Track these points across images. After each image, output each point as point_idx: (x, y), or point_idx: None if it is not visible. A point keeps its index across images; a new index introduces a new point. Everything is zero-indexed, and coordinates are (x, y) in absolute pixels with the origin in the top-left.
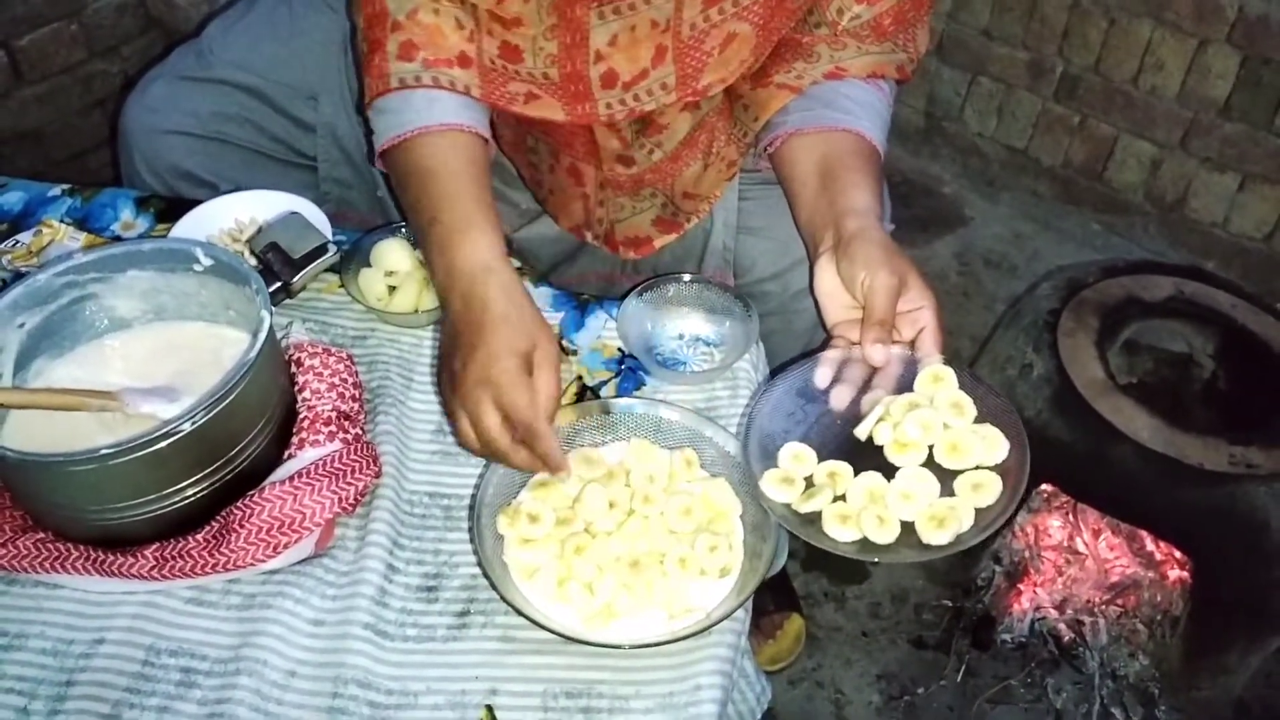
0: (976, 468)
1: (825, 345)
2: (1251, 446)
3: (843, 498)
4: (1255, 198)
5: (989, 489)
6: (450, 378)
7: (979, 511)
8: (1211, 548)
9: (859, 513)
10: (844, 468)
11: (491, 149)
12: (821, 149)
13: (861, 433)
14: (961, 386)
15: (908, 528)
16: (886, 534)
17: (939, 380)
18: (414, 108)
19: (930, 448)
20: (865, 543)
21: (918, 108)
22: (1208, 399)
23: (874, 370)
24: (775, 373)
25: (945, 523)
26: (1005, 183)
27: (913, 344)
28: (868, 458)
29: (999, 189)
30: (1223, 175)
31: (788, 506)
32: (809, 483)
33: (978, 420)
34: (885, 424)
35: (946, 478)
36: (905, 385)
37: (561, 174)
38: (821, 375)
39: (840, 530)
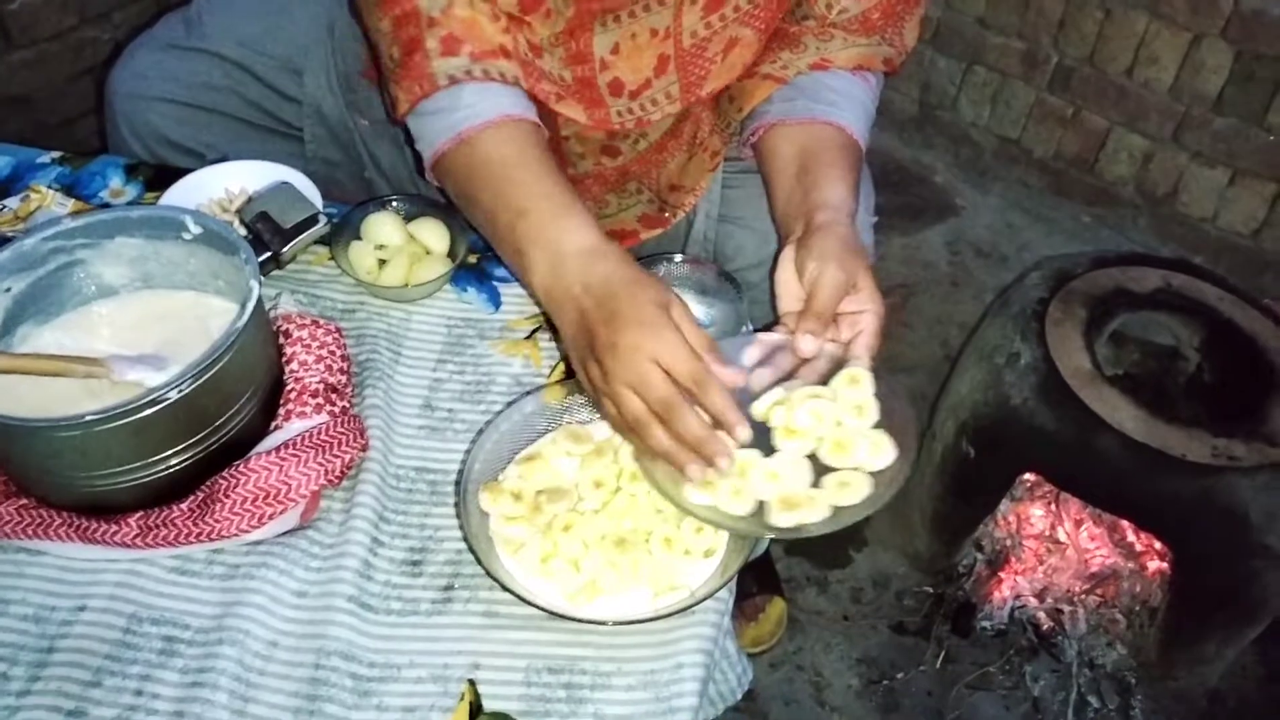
0: (855, 469)
1: (770, 329)
2: (1234, 439)
3: None
4: (1245, 193)
5: (854, 490)
6: (600, 360)
7: (837, 510)
8: (1192, 538)
9: (719, 480)
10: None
11: (544, 132)
12: (801, 140)
13: (756, 410)
14: (876, 394)
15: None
16: (739, 506)
17: (855, 382)
18: (468, 103)
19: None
20: (715, 510)
21: (912, 96)
22: (1192, 391)
23: (802, 361)
24: None
25: (795, 507)
26: (997, 173)
27: (847, 346)
28: (764, 440)
29: (991, 179)
30: (1213, 170)
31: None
32: None
33: (876, 427)
34: (782, 408)
35: (824, 473)
36: (827, 383)
37: None
38: (750, 354)
39: (697, 494)
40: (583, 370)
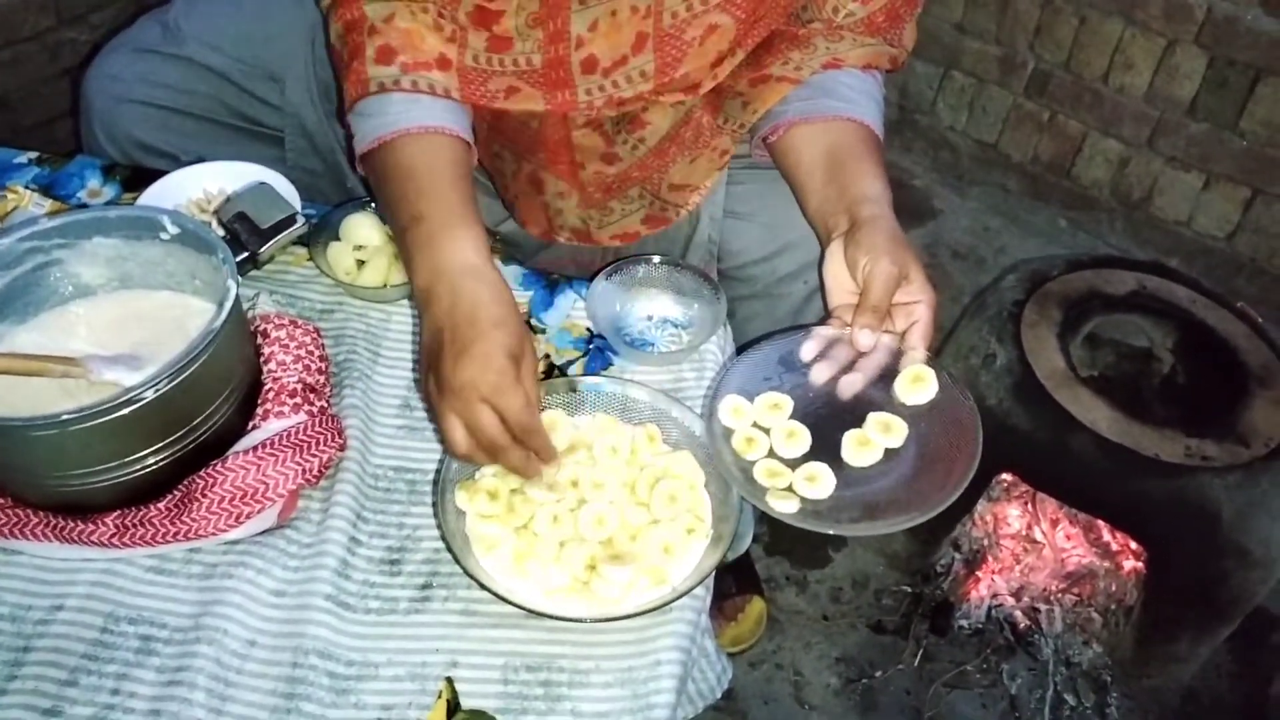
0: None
1: (823, 324)
2: (1207, 439)
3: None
4: (1219, 197)
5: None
6: (439, 380)
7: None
8: (1165, 537)
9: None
10: (784, 399)
11: (474, 154)
12: (827, 138)
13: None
14: (940, 389)
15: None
16: (778, 497)
17: (919, 381)
18: (393, 110)
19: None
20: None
21: (890, 100)
22: (1166, 392)
23: (860, 354)
24: (764, 339)
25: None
26: (975, 177)
27: (903, 336)
28: (827, 434)
29: (968, 183)
30: (1188, 174)
31: (731, 447)
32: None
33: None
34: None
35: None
36: (888, 374)
37: (523, 181)
38: (808, 348)
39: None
40: (424, 381)
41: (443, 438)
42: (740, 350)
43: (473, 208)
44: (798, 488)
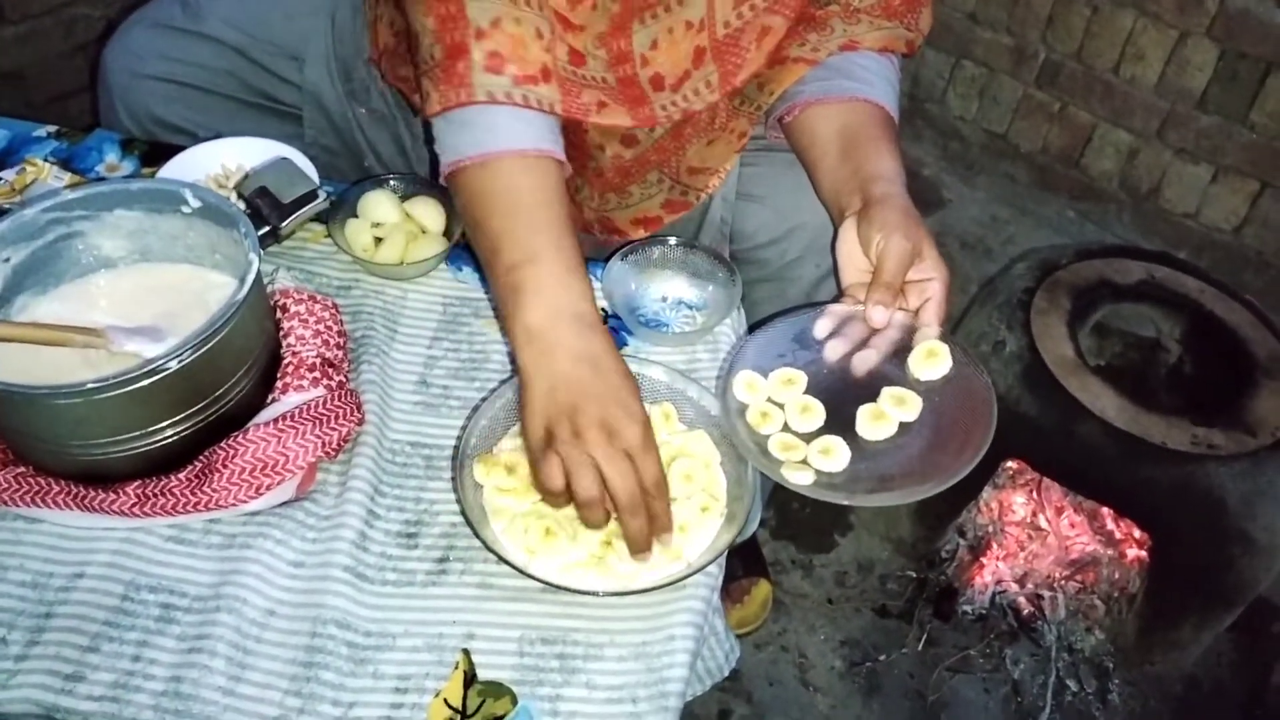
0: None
1: (837, 302)
2: (1213, 428)
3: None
4: (1227, 190)
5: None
6: (576, 425)
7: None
8: (1170, 524)
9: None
10: (798, 375)
11: (567, 170)
12: (842, 119)
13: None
14: (954, 363)
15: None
16: (793, 470)
17: (933, 356)
18: (501, 125)
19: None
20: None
21: (901, 89)
22: (1173, 381)
23: (873, 331)
24: (777, 316)
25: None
26: (984, 167)
27: (917, 313)
28: (841, 409)
29: (977, 173)
30: (1196, 166)
31: (746, 421)
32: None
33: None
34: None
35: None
36: (902, 350)
37: None
38: (821, 326)
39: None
40: (538, 423)
41: (571, 482)
42: (753, 329)
43: (582, 254)
44: (813, 461)
